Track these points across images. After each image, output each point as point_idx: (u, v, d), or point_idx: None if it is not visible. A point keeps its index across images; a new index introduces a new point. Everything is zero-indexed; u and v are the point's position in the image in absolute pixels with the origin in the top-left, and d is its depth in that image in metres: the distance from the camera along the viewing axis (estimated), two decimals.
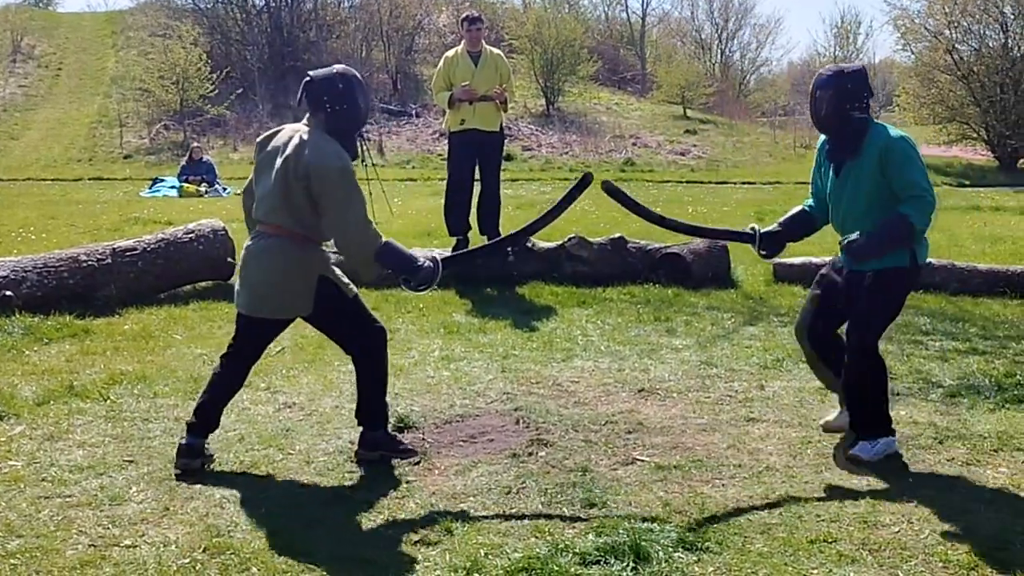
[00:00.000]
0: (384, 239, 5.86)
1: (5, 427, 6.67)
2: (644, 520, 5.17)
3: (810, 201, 6.65)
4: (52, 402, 7.17)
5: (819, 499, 5.53)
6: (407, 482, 5.78)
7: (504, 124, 12.39)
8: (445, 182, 12.40)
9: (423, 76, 44.53)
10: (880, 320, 6.14)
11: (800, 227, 6.73)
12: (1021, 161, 40.24)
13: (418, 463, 6.08)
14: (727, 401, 7.37)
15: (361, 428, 6.18)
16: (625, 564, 4.65)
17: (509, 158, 32.00)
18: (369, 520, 5.25)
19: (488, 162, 12.07)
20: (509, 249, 11.80)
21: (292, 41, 45.93)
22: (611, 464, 6.07)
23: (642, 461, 6.11)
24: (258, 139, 6.19)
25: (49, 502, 5.42)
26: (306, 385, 7.70)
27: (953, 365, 8.34)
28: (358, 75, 6.06)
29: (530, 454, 6.21)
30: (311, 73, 6.00)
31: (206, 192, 24.96)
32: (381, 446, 6.15)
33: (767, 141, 43.69)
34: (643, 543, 4.82)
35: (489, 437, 6.59)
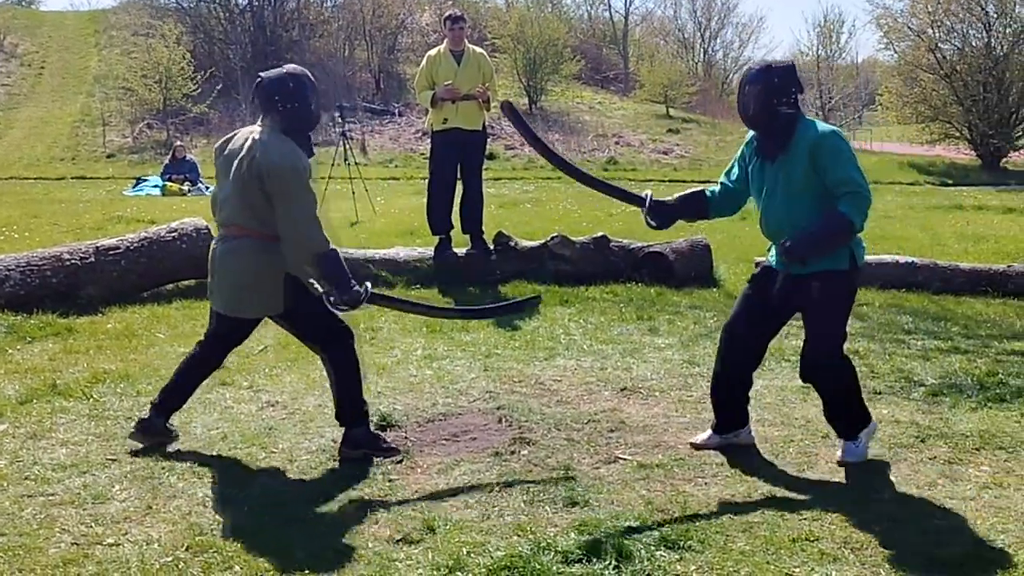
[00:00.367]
0: (332, 246, 5.88)
1: None
2: (626, 519, 5.17)
3: (714, 188, 6.44)
4: (35, 401, 7.15)
5: (801, 498, 5.54)
6: (390, 480, 5.78)
7: (487, 123, 12.40)
8: (428, 181, 12.40)
9: (406, 75, 44.57)
10: (837, 331, 5.95)
11: (692, 208, 6.49)
12: (1004, 160, 40.41)
13: (400, 461, 6.08)
14: (709, 400, 7.37)
15: (343, 427, 6.19)
16: (607, 563, 4.65)
17: (492, 157, 31.98)
18: (352, 518, 5.25)
19: (471, 161, 12.05)
20: (492, 247, 11.85)
21: (275, 40, 45.94)
22: (593, 463, 6.08)
23: (624, 460, 6.12)
24: (216, 144, 6.27)
25: (32, 500, 5.41)
26: (289, 384, 7.70)
27: (935, 364, 8.37)
28: (309, 74, 6.12)
29: (512, 453, 6.21)
30: (262, 74, 6.07)
31: (189, 191, 24.94)
32: (363, 444, 6.15)
33: None
34: (625, 542, 4.83)
35: (472, 436, 6.59)
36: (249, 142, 5.88)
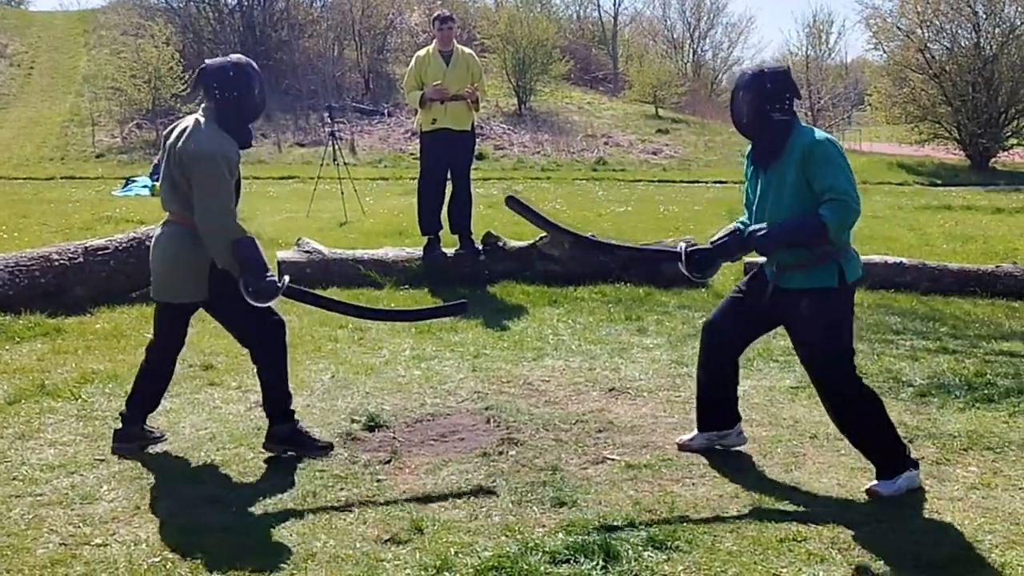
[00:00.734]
0: (247, 234, 5.87)
1: None
2: (614, 519, 5.18)
3: (743, 217, 6.09)
4: (23, 401, 7.14)
5: (789, 498, 5.54)
6: (377, 481, 5.78)
7: (476, 123, 12.41)
8: (417, 181, 12.40)
9: (395, 75, 44.60)
10: (839, 352, 5.63)
11: (732, 246, 6.08)
12: (992, 160, 40.53)
13: (327, 456, 6.10)
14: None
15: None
16: (595, 563, 4.65)
17: (481, 157, 32.04)
18: (340, 518, 5.24)
19: (459, 161, 12.05)
20: (481, 247, 11.85)
21: (264, 40, 45.95)
22: (581, 463, 6.08)
23: (612, 460, 6.12)
24: (165, 131, 6.25)
25: (20, 501, 5.40)
26: None
27: (923, 364, 8.38)
28: (254, 64, 6.09)
29: (500, 453, 6.21)
30: (207, 61, 6.06)
31: None
32: (287, 441, 6.13)
33: (739, 140, 43.33)
34: (613, 542, 4.83)
35: (460, 436, 6.59)
36: (182, 129, 5.90)
